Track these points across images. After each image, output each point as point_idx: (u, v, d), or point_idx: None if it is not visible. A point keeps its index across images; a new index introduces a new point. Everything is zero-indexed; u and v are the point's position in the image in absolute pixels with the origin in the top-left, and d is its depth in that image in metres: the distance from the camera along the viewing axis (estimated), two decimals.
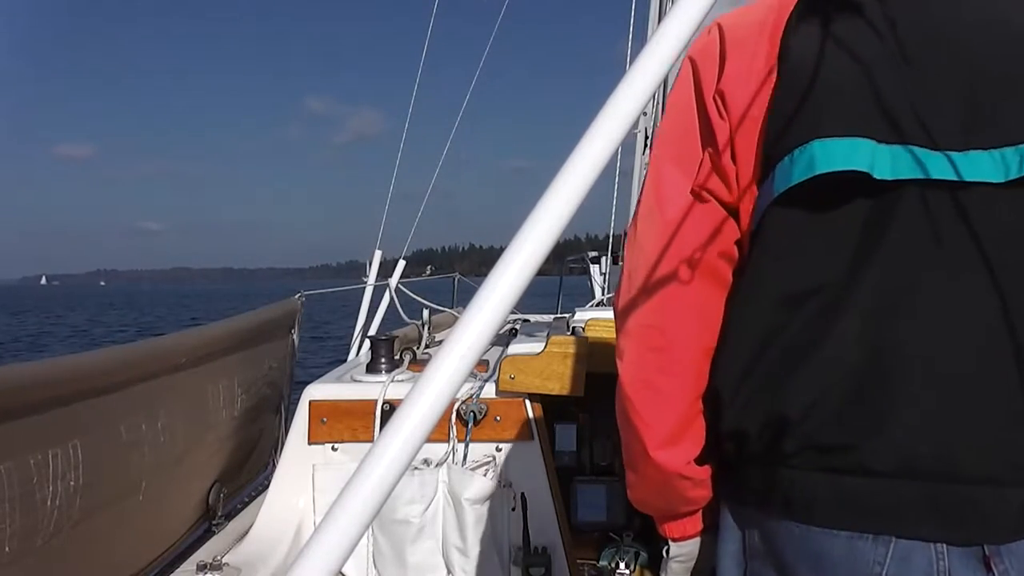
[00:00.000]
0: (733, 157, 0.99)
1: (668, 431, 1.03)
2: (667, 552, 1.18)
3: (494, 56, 4.55)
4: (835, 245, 0.93)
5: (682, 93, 1.04)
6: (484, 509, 2.02)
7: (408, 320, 3.04)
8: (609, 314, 2.33)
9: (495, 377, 2.08)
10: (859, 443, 0.90)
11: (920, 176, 0.91)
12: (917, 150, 0.91)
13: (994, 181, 0.90)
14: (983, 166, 0.90)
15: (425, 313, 2.90)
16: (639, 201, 1.07)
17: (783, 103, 0.96)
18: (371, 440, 2.07)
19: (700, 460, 1.06)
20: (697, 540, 1.17)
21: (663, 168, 1.04)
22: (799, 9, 0.98)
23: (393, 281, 3.30)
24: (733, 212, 1.01)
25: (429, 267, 4.43)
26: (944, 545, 0.88)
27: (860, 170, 0.89)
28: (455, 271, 5.07)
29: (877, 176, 0.90)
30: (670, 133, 1.05)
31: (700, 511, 1.14)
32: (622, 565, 2.05)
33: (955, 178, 0.90)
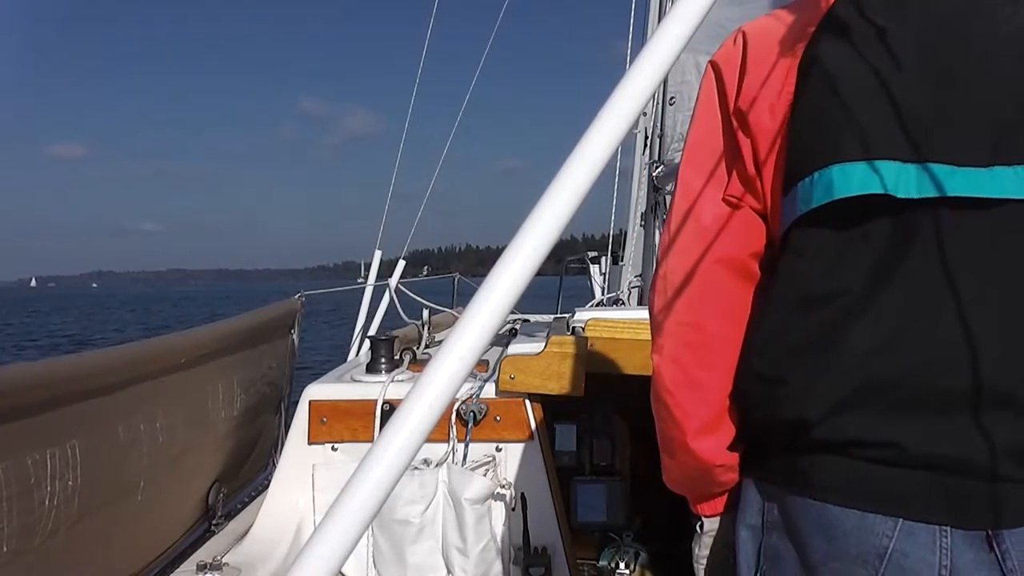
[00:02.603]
0: (758, 170, 1.03)
1: (705, 421, 1.09)
2: (700, 527, 1.24)
3: (489, 56, 4.56)
4: (859, 258, 0.96)
5: (706, 104, 1.08)
6: (484, 509, 2.02)
7: (408, 320, 3.04)
8: (608, 314, 2.34)
9: (495, 377, 2.08)
10: (876, 439, 0.94)
11: (943, 194, 0.91)
12: (941, 168, 0.92)
13: (1018, 197, 0.91)
14: (1007, 183, 0.91)
15: (425, 313, 2.90)
16: (670, 208, 1.13)
17: (804, 119, 0.98)
18: (371, 440, 2.07)
19: (731, 446, 1.11)
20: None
21: (691, 179, 1.09)
22: (826, 21, 0.99)
23: (393, 281, 3.30)
24: (763, 216, 1.06)
25: (426, 267, 4.44)
26: (949, 527, 0.92)
27: (879, 193, 0.91)
28: (452, 271, 5.05)
29: (901, 196, 0.91)
30: (697, 143, 1.10)
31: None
32: (622, 565, 2.05)
33: (978, 195, 0.91)
